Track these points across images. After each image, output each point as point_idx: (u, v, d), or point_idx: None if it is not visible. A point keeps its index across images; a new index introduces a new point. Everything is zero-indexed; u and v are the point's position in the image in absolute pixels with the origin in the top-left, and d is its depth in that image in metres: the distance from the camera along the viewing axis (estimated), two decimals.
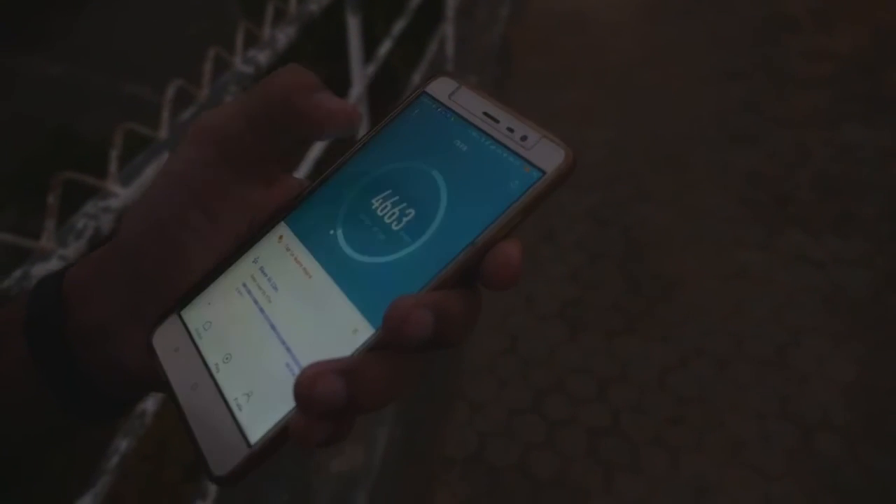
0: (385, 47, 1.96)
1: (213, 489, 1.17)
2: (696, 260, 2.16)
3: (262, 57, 1.04)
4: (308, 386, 0.23)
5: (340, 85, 1.78)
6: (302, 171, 1.44)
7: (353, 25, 1.58)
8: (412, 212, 0.29)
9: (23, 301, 0.30)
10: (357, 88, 1.72)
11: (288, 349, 0.27)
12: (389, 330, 0.24)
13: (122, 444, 0.80)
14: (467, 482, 1.60)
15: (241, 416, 0.26)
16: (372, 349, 0.26)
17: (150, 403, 0.85)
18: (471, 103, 0.31)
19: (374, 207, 0.30)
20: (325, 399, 0.23)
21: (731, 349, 1.87)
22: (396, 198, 0.30)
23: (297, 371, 0.26)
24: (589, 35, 3.58)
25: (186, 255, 0.29)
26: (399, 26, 2.08)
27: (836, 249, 2.17)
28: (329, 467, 1.59)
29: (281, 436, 0.25)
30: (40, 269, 0.61)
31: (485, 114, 0.30)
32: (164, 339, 0.30)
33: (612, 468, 1.61)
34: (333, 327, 0.27)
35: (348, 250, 0.29)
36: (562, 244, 2.21)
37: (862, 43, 3.39)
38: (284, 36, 1.12)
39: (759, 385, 1.78)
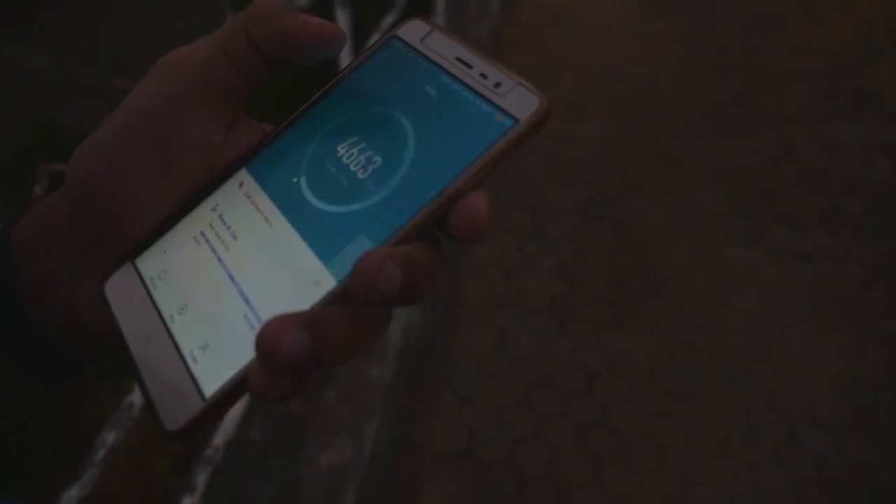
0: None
1: (201, 482, 1.17)
2: (684, 254, 2.17)
3: None
4: (271, 339, 0.22)
5: (329, 78, 1.78)
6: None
7: (343, 19, 1.58)
8: (378, 160, 0.28)
9: None
10: None
11: (247, 301, 0.26)
12: (358, 285, 0.23)
13: (110, 437, 0.80)
14: (456, 476, 1.60)
15: (196, 369, 0.25)
16: (335, 302, 0.25)
17: (138, 396, 0.85)
18: (443, 48, 0.30)
19: (339, 155, 0.29)
20: (289, 353, 0.22)
21: (718, 343, 1.88)
22: (363, 145, 0.28)
23: (255, 324, 0.26)
24: (579, 30, 3.58)
25: (140, 199, 0.27)
26: (389, 20, 2.08)
27: (822, 244, 2.19)
28: (318, 461, 1.59)
29: (237, 390, 0.25)
30: None
31: (457, 59, 0.29)
32: (118, 289, 0.28)
33: (600, 461, 1.62)
34: (295, 278, 0.26)
35: (311, 198, 0.28)
36: (551, 238, 2.21)
37: (849, 38, 3.41)
38: None
39: (747, 378, 1.79)
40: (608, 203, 2.36)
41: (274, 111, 0.31)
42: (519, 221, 2.26)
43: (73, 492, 0.74)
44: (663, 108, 2.89)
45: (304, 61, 0.29)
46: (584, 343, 1.89)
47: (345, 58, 1.67)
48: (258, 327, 0.24)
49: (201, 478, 1.22)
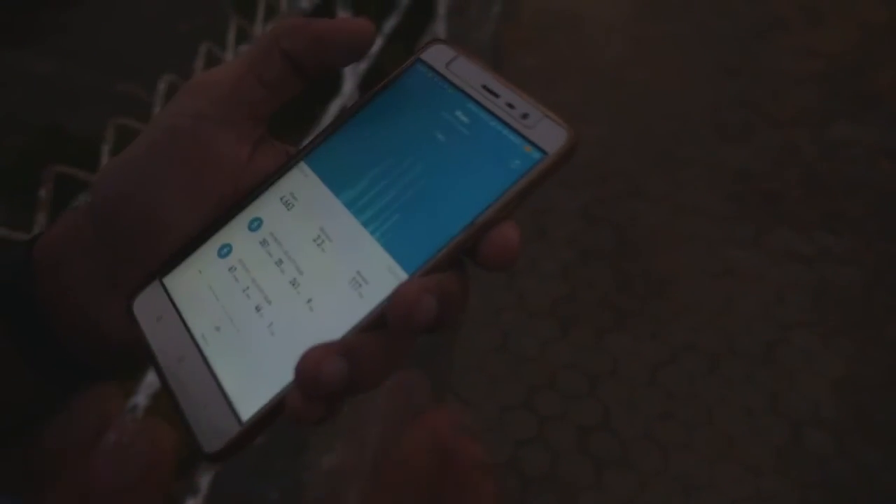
0: (377, 45, 1.96)
1: (204, 484, 1.17)
2: (686, 257, 2.17)
3: None
4: (311, 367, 0.23)
5: (331, 83, 1.78)
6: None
7: None
8: (408, 187, 0.28)
9: None
10: (348, 86, 1.72)
11: (281, 323, 0.26)
12: (396, 317, 0.23)
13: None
14: None
15: (232, 392, 0.25)
16: (369, 327, 0.25)
17: (142, 398, 0.86)
18: (469, 74, 0.30)
19: (369, 182, 0.28)
20: (329, 380, 0.23)
21: (720, 346, 1.88)
22: (392, 173, 0.28)
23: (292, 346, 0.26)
24: (581, 33, 3.59)
25: (167, 219, 0.28)
26: (390, 24, 2.08)
27: (824, 246, 2.19)
28: (320, 465, 1.59)
29: (273, 413, 0.25)
30: None
31: (484, 87, 0.29)
32: (146, 307, 0.28)
33: (602, 464, 1.62)
34: (329, 302, 0.26)
35: (344, 224, 0.28)
36: (553, 241, 2.21)
37: (851, 40, 3.41)
38: None
39: (749, 381, 1.79)
40: (610, 206, 2.36)
41: (279, 126, 0.31)
42: (521, 224, 2.25)
43: None
44: (665, 111, 2.89)
45: (341, 64, 0.29)
46: (586, 346, 1.89)
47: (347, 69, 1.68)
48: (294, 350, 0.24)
49: (204, 480, 1.22)
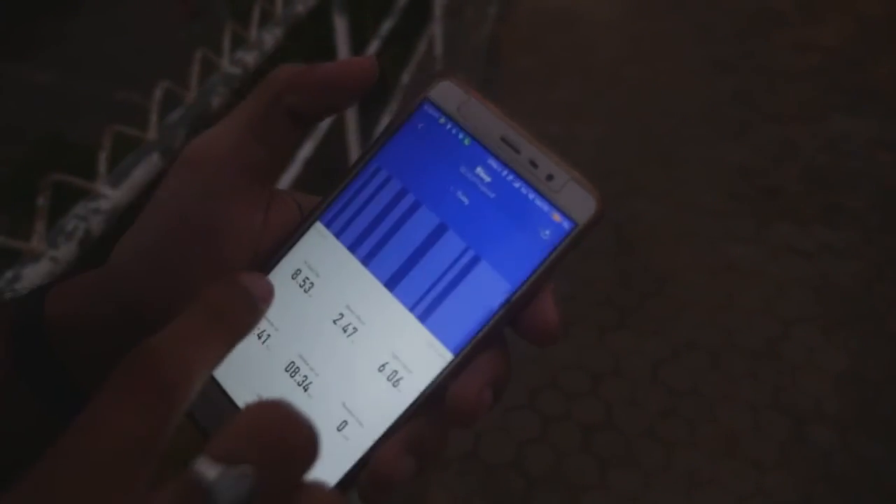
0: (373, 47, 1.97)
1: None
2: (686, 254, 2.17)
3: (250, 58, 1.04)
4: (386, 471, 0.23)
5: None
6: (292, 172, 1.44)
7: (341, 26, 1.59)
8: (435, 262, 0.26)
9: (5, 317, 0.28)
10: None
11: (337, 403, 0.26)
12: (459, 419, 0.24)
13: None
14: (463, 480, 1.61)
15: None
16: (419, 409, 0.25)
17: None
18: (484, 123, 0.27)
19: (395, 254, 0.27)
20: (402, 480, 0.23)
21: (722, 342, 1.88)
22: (415, 243, 0.27)
23: (350, 428, 0.25)
24: (578, 32, 3.59)
25: (182, 287, 0.27)
26: (387, 26, 2.09)
27: (825, 240, 2.19)
28: None
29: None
30: (31, 271, 0.62)
31: (503, 139, 0.27)
32: None
33: (605, 462, 1.62)
34: (367, 380, 0.26)
35: (372, 300, 0.26)
36: None
37: (848, 34, 3.41)
38: (272, 37, 1.12)
39: (751, 377, 1.79)
40: (610, 204, 2.35)
41: None
42: None
43: None
44: (663, 109, 2.90)
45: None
46: (588, 344, 1.89)
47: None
48: (348, 431, 0.25)
49: None
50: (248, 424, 0.19)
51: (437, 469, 1.62)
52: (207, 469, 0.17)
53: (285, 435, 0.19)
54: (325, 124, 1.64)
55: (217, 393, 0.27)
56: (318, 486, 0.20)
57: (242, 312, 0.22)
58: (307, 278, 0.28)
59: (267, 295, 0.24)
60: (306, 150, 1.55)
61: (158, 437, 0.18)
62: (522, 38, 3.57)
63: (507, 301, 0.25)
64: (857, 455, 1.61)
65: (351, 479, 0.25)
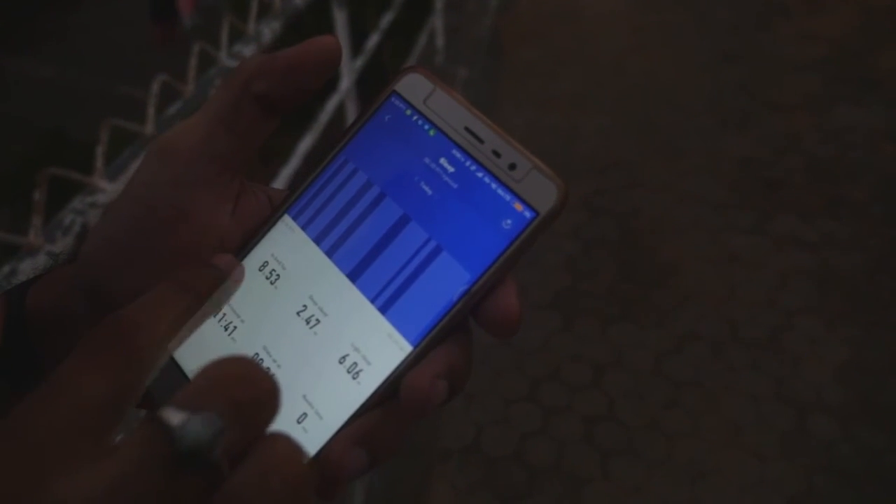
0: (373, 40, 1.96)
1: None
2: (689, 246, 2.17)
3: (248, 51, 1.04)
4: (336, 463, 0.23)
5: (328, 79, 1.78)
6: (292, 165, 1.44)
7: (340, 19, 1.59)
8: (398, 251, 0.26)
9: None
10: (345, 82, 1.72)
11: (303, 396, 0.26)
12: (412, 405, 0.24)
13: None
14: (465, 473, 1.61)
15: None
16: (378, 400, 0.25)
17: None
18: (450, 114, 0.27)
19: (358, 243, 0.27)
20: (353, 473, 0.24)
21: (725, 333, 1.88)
22: (379, 232, 0.27)
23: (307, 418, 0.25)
24: (580, 23, 3.58)
25: (150, 276, 0.26)
26: (387, 19, 2.08)
27: (828, 232, 2.18)
28: None
29: None
30: (28, 265, 0.62)
31: (467, 129, 0.27)
32: None
33: (608, 454, 1.62)
34: (326, 371, 0.26)
35: (335, 289, 0.27)
36: (555, 232, 2.21)
37: (852, 24, 3.39)
38: (269, 30, 1.12)
39: (754, 368, 1.79)
40: (612, 196, 2.35)
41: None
42: None
43: None
44: (666, 100, 2.89)
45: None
46: (590, 336, 1.89)
47: (344, 65, 1.68)
48: (308, 424, 0.25)
49: None
50: (212, 376, 0.19)
51: (439, 461, 1.63)
52: (172, 415, 0.18)
53: (248, 385, 0.19)
54: (324, 117, 1.64)
55: (184, 383, 0.27)
56: (279, 435, 0.20)
57: (208, 281, 0.23)
58: (273, 270, 0.28)
59: (233, 270, 0.24)
60: (306, 143, 1.55)
61: (124, 396, 0.19)
62: (524, 30, 3.56)
63: (467, 291, 0.25)
64: (860, 445, 1.61)
65: None
